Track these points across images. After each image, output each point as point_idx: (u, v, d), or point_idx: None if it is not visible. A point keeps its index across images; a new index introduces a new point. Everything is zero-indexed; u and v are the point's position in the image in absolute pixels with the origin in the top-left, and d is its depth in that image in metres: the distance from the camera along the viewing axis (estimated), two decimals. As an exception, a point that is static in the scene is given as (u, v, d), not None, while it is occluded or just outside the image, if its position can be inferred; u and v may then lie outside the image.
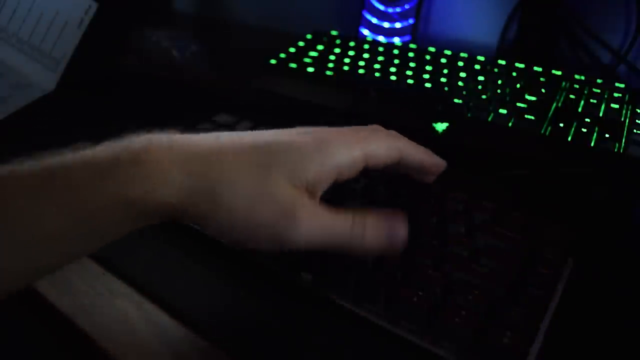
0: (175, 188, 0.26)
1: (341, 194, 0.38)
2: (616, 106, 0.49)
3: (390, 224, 0.30)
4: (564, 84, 0.53)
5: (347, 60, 0.60)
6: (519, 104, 0.50)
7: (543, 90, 0.52)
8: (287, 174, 0.27)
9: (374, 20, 0.73)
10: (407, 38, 0.72)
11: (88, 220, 0.25)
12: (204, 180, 0.26)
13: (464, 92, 0.53)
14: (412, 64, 0.58)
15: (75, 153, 0.26)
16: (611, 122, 0.47)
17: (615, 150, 0.44)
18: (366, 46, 0.63)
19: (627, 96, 0.51)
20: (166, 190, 0.26)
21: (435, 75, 0.56)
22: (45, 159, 0.25)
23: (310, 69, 0.59)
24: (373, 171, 0.31)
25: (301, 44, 0.65)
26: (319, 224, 0.28)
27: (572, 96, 0.51)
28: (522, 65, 0.56)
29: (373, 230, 0.29)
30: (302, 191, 0.28)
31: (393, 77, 0.56)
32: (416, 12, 0.71)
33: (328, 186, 0.29)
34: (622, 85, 0.53)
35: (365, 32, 0.74)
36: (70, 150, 0.26)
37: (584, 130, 0.46)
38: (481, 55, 0.59)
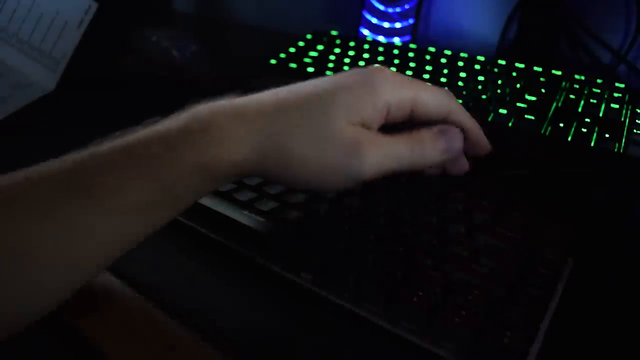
0: (245, 148, 0.28)
1: (341, 193, 0.38)
2: (616, 106, 0.49)
3: (446, 135, 0.32)
4: (564, 84, 0.53)
5: (347, 60, 0.60)
6: (519, 104, 0.50)
7: (543, 90, 0.52)
8: (344, 115, 0.29)
9: (374, 20, 0.73)
10: (407, 38, 0.72)
11: (168, 188, 0.27)
12: (271, 135, 0.28)
13: (464, 92, 0.53)
14: (412, 64, 0.58)
15: (148, 128, 0.28)
16: (611, 122, 0.47)
17: (615, 150, 0.44)
18: (366, 46, 0.63)
19: (627, 96, 0.51)
20: (237, 151, 0.28)
21: (435, 75, 0.56)
22: (120, 137, 0.27)
23: (310, 69, 0.59)
24: (419, 121, 0.32)
25: (301, 44, 0.65)
26: (382, 152, 0.29)
27: (572, 96, 0.51)
28: (522, 65, 0.56)
29: (432, 144, 0.31)
30: (360, 127, 0.29)
31: (393, 77, 0.56)
32: (416, 12, 0.71)
33: (382, 121, 0.30)
34: (622, 85, 0.53)
35: (365, 32, 0.74)
36: (137, 128, 0.28)
37: (584, 130, 0.46)
38: (481, 55, 0.59)
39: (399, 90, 0.30)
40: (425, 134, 0.31)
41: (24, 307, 0.26)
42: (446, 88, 0.33)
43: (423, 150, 0.31)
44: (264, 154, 0.28)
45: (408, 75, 0.32)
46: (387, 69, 0.31)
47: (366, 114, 0.29)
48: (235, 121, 0.28)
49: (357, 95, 0.29)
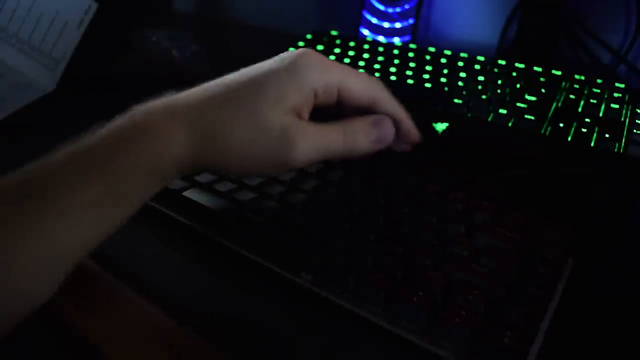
0: (180, 144, 0.29)
1: (342, 192, 0.38)
2: (616, 106, 0.49)
3: (378, 126, 0.33)
4: (564, 84, 0.53)
5: (347, 60, 0.60)
6: (519, 104, 0.50)
7: (543, 90, 0.52)
8: (273, 103, 0.30)
9: (374, 20, 0.73)
10: (407, 38, 0.72)
11: (114, 187, 0.27)
12: (204, 130, 0.29)
13: (464, 92, 0.53)
14: (412, 64, 0.58)
15: (92, 134, 0.29)
16: (611, 122, 0.47)
17: (615, 150, 0.44)
18: (366, 46, 0.63)
19: (627, 96, 0.51)
20: (173, 148, 0.29)
21: (435, 75, 0.56)
22: (68, 145, 0.28)
23: (310, 69, 0.59)
24: (348, 108, 0.32)
25: (301, 44, 0.65)
26: (314, 141, 0.30)
27: (572, 96, 0.51)
28: (522, 65, 0.56)
29: (364, 134, 0.32)
30: (291, 115, 0.30)
31: (393, 77, 0.56)
32: (416, 12, 0.71)
33: (311, 106, 0.31)
34: (622, 85, 0.53)
35: (365, 32, 0.74)
36: (86, 132, 0.29)
37: (584, 130, 0.46)
38: (481, 55, 0.59)
39: (324, 74, 0.31)
40: (358, 124, 0.32)
41: None
42: (376, 75, 0.33)
43: (355, 140, 0.32)
44: (198, 148, 0.29)
45: (333, 60, 0.33)
46: (313, 52, 0.31)
47: (294, 100, 0.30)
48: (168, 119, 0.29)
49: (283, 83, 0.30)
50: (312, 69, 0.31)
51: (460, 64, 0.58)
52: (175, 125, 0.29)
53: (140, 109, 0.30)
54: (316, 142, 0.31)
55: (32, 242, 0.25)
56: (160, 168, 0.29)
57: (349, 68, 0.32)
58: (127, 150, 0.28)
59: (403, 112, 0.34)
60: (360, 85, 0.32)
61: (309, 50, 0.31)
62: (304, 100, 0.30)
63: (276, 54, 0.59)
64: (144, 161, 0.28)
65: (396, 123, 0.33)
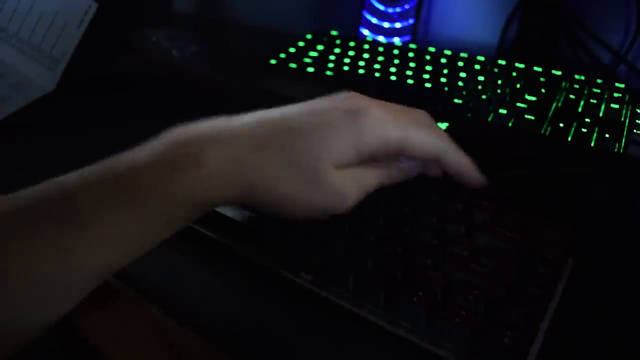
0: (233, 183, 0.28)
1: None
2: (616, 106, 0.49)
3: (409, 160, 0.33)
4: (564, 84, 0.53)
5: (347, 60, 0.60)
6: (519, 104, 0.50)
7: (543, 90, 0.52)
8: (329, 159, 0.29)
9: (374, 20, 0.73)
10: (407, 38, 0.72)
11: (156, 219, 0.27)
12: (259, 172, 0.28)
13: (464, 92, 0.53)
14: (412, 64, 0.58)
15: (136, 156, 0.28)
16: (611, 122, 0.47)
17: (615, 150, 0.44)
18: (366, 46, 0.63)
19: (627, 96, 0.51)
20: (225, 187, 0.28)
21: (435, 75, 0.56)
22: (108, 164, 0.28)
23: (310, 69, 0.59)
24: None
25: (301, 44, 0.65)
26: (362, 189, 0.31)
27: (572, 96, 0.51)
28: (522, 65, 0.56)
29: (398, 168, 0.33)
30: (345, 169, 0.30)
31: (393, 77, 0.56)
32: (416, 12, 0.71)
33: (365, 159, 0.31)
34: (622, 85, 0.53)
35: (365, 32, 0.74)
36: (125, 153, 0.28)
37: (584, 130, 0.46)
38: (481, 55, 0.59)
39: (386, 131, 0.30)
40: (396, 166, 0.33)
41: (5, 334, 0.26)
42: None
43: (390, 174, 0.33)
44: (250, 190, 0.29)
45: (398, 108, 0.32)
46: (374, 106, 0.30)
47: (349, 158, 0.30)
48: (223, 155, 0.28)
49: (342, 139, 0.29)
50: (374, 129, 0.30)
51: (460, 64, 0.58)
52: (232, 165, 0.28)
53: (191, 137, 0.28)
54: (363, 189, 0.31)
55: (61, 264, 0.25)
56: (204, 204, 0.28)
57: (412, 122, 0.31)
58: (174, 184, 0.27)
59: (468, 163, 0.33)
60: (424, 142, 0.31)
61: (371, 104, 0.31)
62: (359, 158, 0.30)
63: (276, 54, 0.59)
64: (189, 197, 0.27)
65: (458, 174, 0.33)
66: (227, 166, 0.28)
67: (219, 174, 0.28)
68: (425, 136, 0.31)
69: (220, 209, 0.37)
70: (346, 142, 0.29)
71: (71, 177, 0.27)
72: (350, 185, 0.30)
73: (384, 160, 0.32)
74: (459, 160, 0.32)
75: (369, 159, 0.31)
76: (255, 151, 0.28)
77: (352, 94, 0.32)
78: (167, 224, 0.28)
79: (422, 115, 0.33)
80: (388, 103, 0.32)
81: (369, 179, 0.32)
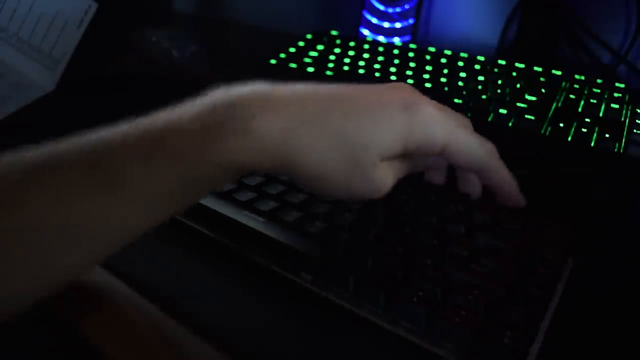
0: (279, 154, 0.27)
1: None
2: (616, 106, 0.49)
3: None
4: (564, 84, 0.53)
5: (347, 60, 0.60)
6: (519, 104, 0.50)
7: (543, 90, 0.52)
8: (378, 150, 0.29)
9: (374, 20, 0.73)
10: (407, 38, 0.72)
11: (196, 180, 0.26)
12: (306, 147, 0.28)
13: (464, 92, 0.53)
14: (412, 64, 0.58)
15: (177, 113, 0.27)
16: (611, 122, 0.47)
17: (615, 150, 0.44)
18: (366, 46, 0.63)
19: (627, 96, 0.51)
20: (266, 158, 0.27)
21: (435, 75, 0.56)
22: (145, 124, 0.26)
23: (310, 69, 0.59)
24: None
25: (301, 44, 0.65)
26: (395, 178, 0.31)
27: (572, 96, 0.51)
28: (522, 65, 0.56)
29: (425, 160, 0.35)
30: (390, 161, 0.30)
31: (393, 77, 0.56)
32: (416, 12, 0.71)
33: (409, 153, 0.31)
34: (622, 85, 0.53)
35: (365, 32, 0.74)
36: (165, 110, 0.28)
37: (584, 130, 0.46)
38: (481, 55, 0.59)
39: (435, 133, 0.30)
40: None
41: (36, 286, 0.25)
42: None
43: (417, 169, 0.34)
44: (291, 164, 0.28)
45: (447, 109, 0.32)
46: (428, 104, 0.30)
47: (395, 151, 0.29)
48: (272, 125, 0.27)
49: (393, 131, 0.29)
50: (427, 125, 0.30)
51: (460, 64, 0.58)
52: (281, 135, 0.27)
53: (233, 97, 0.28)
54: (397, 178, 0.31)
55: (97, 221, 0.24)
56: (245, 168, 0.27)
57: (461, 125, 0.31)
58: (218, 148, 0.26)
59: (512, 182, 0.33)
60: (470, 151, 0.31)
61: (426, 100, 0.30)
62: (406, 151, 0.30)
63: (276, 53, 0.58)
64: (233, 160, 0.27)
65: (502, 193, 0.33)
66: (275, 136, 0.27)
67: (265, 143, 0.27)
68: (472, 145, 0.31)
69: (220, 209, 0.37)
70: (396, 135, 0.29)
71: (102, 134, 0.26)
72: (388, 177, 0.30)
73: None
74: (502, 178, 0.32)
75: (408, 153, 0.31)
76: (304, 126, 0.28)
77: (406, 85, 0.31)
78: (202, 187, 0.27)
79: (468, 121, 0.33)
80: (437, 102, 0.31)
81: (402, 171, 0.32)
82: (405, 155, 0.31)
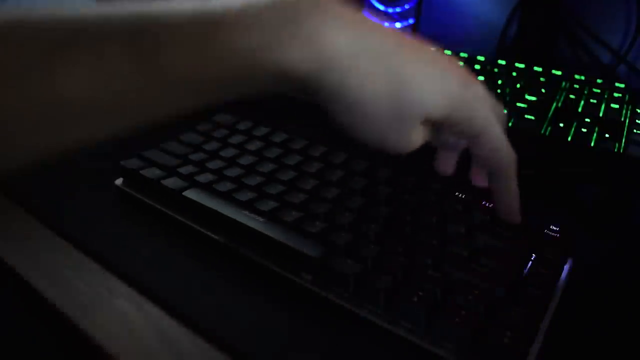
0: (331, 71, 0.26)
1: (342, 192, 0.38)
2: (616, 106, 0.49)
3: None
4: (564, 84, 0.53)
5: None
6: (519, 104, 0.50)
7: (543, 90, 0.52)
8: (426, 107, 0.28)
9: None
10: (407, 38, 0.72)
11: (237, 76, 0.25)
12: (352, 78, 0.26)
13: (464, 92, 0.53)
14: (412, 64, 0.58)
15: (243, 7, 0.25)
16: (611, 122, 0.47)
17: (615, 150, 0.44)
18: (366, 46, 0.63)
19: (627, 96, 0.51)
20: (321, 68, 0.25)
21: (435, 75, 0.56)
22: (208, 7, 0.24)
23: (310, 69, 0.59)
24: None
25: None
26: (419, 145, 0.30)
27: (572, 96, 0.51)
28: (522, 65, 0.56)
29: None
30: (425, 123, 0.29)
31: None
32: (416, 12, 0.71)
33: (446, 123, 0.30)
34: (622, 85, 0.53)
35: (365, 32, 0.74)
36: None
37: (584, 130, 0.46)
38: (481, 55, 0.59)
39: (479, 116, 0.30)
40: None
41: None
42: (514, 152, 0.32)
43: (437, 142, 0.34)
44: (340, 84, 0.26)
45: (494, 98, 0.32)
46: (482, 87, 0.31)
47: (439, 116, 0.29)
48: (336, 36, 0.25)
49: (446, 98, 0.28)
50: (476, 104, 0.30)
51: (460, 64, 0.58)
52: (336, 37, 0.25)
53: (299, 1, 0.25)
54: (424, 140, 0.31)
55: (118, 95, 0.23)
56: (290, 70, 0.25)
57: (501, 122, 0.31)
58: (268, 39, 0.24)
59: (516, 194, 0.33)
60: (500, 147, 0.31)
61: (482, 85, 0.31)
62: (446, 120, 0.29)
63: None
64: (278, 56, 0.25)
65: (504, 202, 0.33)
66: (336, 49, 0.25)
67: (324, 53, 0.25)
68: (503, 143, 0.31)
69: (220, 209, 0.37)
70: (447, 102, 0.28)
71: (146, 8, 0.24)
72: (419, 138, 0.29)
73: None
74: (510, 187, 0.33)
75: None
76: (366, 53, 0.26)
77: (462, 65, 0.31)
78: (241, 84, 0.26)
79: (505, 119, 0.33)
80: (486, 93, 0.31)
81: (428, 137, 0.31)
82: (436, 124, 0.30)
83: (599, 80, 0.54)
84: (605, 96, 0.51)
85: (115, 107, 0.23)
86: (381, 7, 0.72)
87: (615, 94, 0.51)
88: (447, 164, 0.36)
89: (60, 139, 0.24)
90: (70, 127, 0.23)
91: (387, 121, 0.28)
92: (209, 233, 0.37)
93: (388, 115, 0.27)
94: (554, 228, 0.35)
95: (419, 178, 0.39)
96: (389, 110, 0.27)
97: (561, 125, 0.47)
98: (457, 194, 0.38)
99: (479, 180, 0.35)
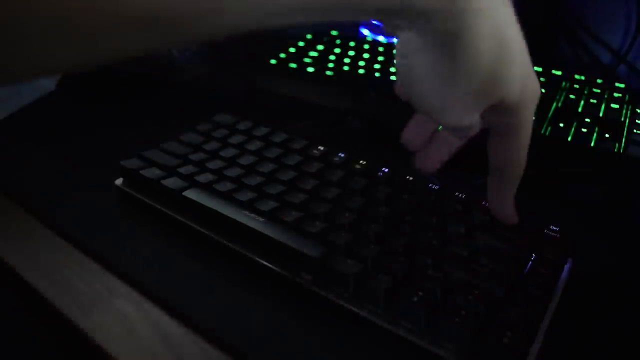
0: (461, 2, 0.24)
1: (342, 192, 0.38)
2: (616, 106, 0.49)
3: None
4: (564, 84, 0.53)
5: (347, 60, 0.60)
6: (519, 104, 0.50)
7: (543, 90, 0.52)
8: (506, 90, 0.27)
9: (374, 20, 0.73)
10: (407, 38, 0.72)
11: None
12: (472, 23, 0.25)
13: (464, 92, 0.53)
14: (412, 64, 0.58)
15: None
16: (611, 122, 0.47)
17: (615, 150, 0.44)
18: (366, 46, 0.63)
19: (627, 96, 0.51)
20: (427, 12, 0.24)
21: (435, 75, 0.56)
22: None
23: (310, 69, 0.59)
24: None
25: (301, 44, 0.65)
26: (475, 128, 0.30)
27: (572, 96, 0.51)
28: (522, 65, 0.56)
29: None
30: (483, 110, 0.28)
31: (393, 77, 0.56)
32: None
33: (494, 116, 0.30)
34: (622, 85, 0.53)
35: (365, 32, 0.74)
36: None
37: (584, 130, 0.46)
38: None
39: (524, 109, 0.30)
40: None
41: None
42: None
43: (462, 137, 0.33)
44: (452, 33, 0.24)
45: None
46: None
47: (506, 104, 0.28)
48: None
49: (526, 91, 0.28)
50: (529, 99, 0.29)
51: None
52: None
53: None
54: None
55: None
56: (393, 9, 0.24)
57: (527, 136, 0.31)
58: None
59: (512, 201, 0.33)
60: (518, 150, 0.31)
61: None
62: (500, 112, 0.29)
63: (276, 54, 0.59)
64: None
65: (497, 200, 0.34)
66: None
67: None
68: (526, 143, 0.32)
69: (220, 209, 0.37)
70: (519, 94, 0.28)
71: None
72: (477, 120, 0.29)
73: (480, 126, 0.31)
74: (511, 189, 0.33)
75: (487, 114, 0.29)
76: (491, 14, 0.25)
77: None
78: (338, 11, 0.24)
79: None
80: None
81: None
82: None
83: (599, 80, 0.54)
84: (605, 96, 0.51)
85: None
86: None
87: (615, 94, 0.51)
88: (434, 161, 0.35)
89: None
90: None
91: (468, 91, 0.26)
92: (209, 233, 0.37)
93: (474, 87, 0.26)
94: (554, 228, 0.35)
95: (419, 178, 0.39)
96: (479, 79, 0.26)
97: (561, 125, 0.47)
98: (457, 194, 0.38)
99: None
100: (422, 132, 0.35)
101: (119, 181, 0.43)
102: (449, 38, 0.25)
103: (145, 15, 0.20)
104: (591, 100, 0.50)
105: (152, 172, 0.41)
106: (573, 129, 0.46)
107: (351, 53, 0.62)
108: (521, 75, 0.28)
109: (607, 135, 0.45)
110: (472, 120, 0.28)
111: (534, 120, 0.48)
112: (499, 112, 0.29)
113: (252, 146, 0.44)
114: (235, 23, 0.22)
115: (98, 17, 0.19)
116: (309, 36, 0.67)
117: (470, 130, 0.31)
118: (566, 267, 0.33)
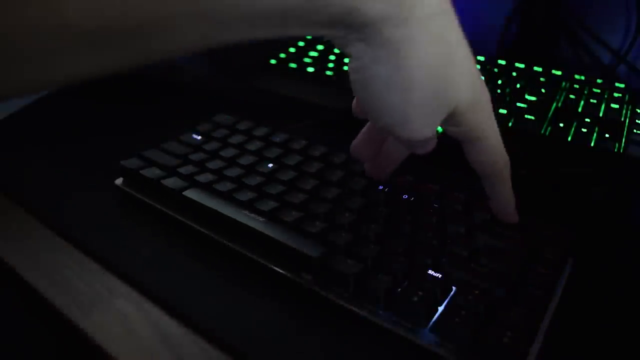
0: (406, 11, 0.25)
1: (342, 192, 0.38)
2: (616, 106, 0.49)
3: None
4: (564, 84, 0.53)
5: (347, 60, 0.60)
6: (519, 104, 0.50)
7: (543, 90, 0.52)
8: (457, 101, 0.28)
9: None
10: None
11: (286, 16, 0.24)
12: (419, 31, 0.25)
13: (464, 92, 0.53)
14: (412, 64, 0.58)
15: None
16: (611, 122, 0.47)
17: (615, 150, 0.44)
18: (366, 46, 0.63)
19: (627, 96, 0.51)
20: (387, 3, 0.24)
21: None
22: None
23: (310, 69, 0.59)
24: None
25: (301, 44, 0.65)
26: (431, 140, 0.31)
27: (572, 96, 0.51)
28: (522, 65, 0.56)
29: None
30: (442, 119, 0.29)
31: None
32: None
33: (451, 123, 0.30)
34: (622, 85, 0.53)
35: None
36: None
37: (584, 130, 0.46)
38: (481, 55, 0.59)
39: (481, 123, 0.30)
40: None
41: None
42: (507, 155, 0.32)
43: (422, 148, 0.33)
44: (399, 43, 0.25)
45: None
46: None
47: (458, 111, 0.28)
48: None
49: (469, 99, 0.28)
50: (483, 110, 0.30)
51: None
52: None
53: None
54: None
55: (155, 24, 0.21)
56: (345, 22, 0.24)
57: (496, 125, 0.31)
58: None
59: (510, 194, 0.33)
60: (495, 153, 0.31)
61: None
62: (451, 119, 0.29)
63: (276, 53, 0.58)
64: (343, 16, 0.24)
65: (499, 203, 0.34)
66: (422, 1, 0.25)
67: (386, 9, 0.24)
68: (498, 149, 0.31)
69: (220, 209, 0.37)
70: (471, 101, 0.28)
71: None
72: (434, 130, 0.28)
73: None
74: (504, 190, 0.33)
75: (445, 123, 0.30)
76: (438, 22, 0.26)
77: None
78: (286, 24, 0.25)
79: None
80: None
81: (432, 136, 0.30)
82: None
83: (599, 80, 0.54)
84: (605, 96, 0.51)
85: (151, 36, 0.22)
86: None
87: (615, 94, 0.51)
88: (385, 171, 0.37)
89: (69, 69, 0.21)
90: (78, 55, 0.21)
91: (424, 98, 0.26)
92: (209, 233, 0.37)
93: (428, 93, 0.26)
94: (554, 228, 0.35)
95: (419, 178, 0.39)
96: (433, 84, 0.26)
97: (561, 125, 0.47)
98: (457, 194, 0.38)
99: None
100: (371, 144, 0.36)
101: (119, 181, 0.43)
102: (399, 46, 0.25)
103: (90, 29, 0.20)
104: (591, 100, 0.50)
105: (152, 172, 0.41)
106: (573, 129, 0.46)
107: (351, 53, 0.62)
108: (471, 77, 0.28)
109: (607, 135, 0.45)
110: (432, 131, 0.28)
111: (534, 121, 0.48)
112: (457, 121, 0.29)
113: (252, 146, 0.44)
114: (190, 39, 0.23)
115: (38, 35, 0.18)
116: (308, 36, 0.67)
117: (429, 143, 0.32)
118: (566, 267, 0.33)
